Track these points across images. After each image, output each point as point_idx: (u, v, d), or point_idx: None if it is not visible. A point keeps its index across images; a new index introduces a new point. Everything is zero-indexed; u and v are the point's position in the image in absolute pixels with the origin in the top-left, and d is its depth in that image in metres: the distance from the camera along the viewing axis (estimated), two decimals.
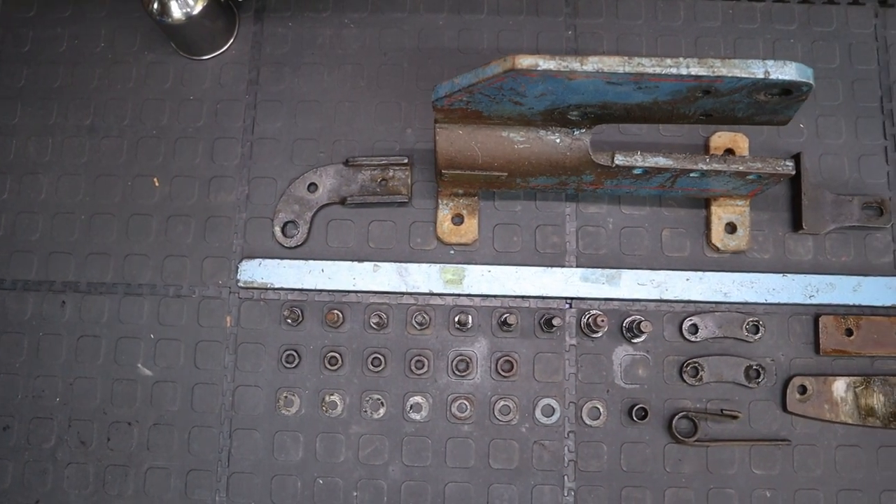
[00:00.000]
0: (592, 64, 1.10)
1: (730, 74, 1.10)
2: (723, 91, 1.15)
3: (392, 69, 1.57)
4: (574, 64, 1.10)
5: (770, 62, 1.10)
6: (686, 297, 1.46)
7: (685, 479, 1.42)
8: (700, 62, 1.10)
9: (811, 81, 1.12)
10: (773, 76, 1.10)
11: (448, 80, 1.19)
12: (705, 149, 1.53)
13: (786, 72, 1.11)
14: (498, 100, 1.21)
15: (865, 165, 1.53)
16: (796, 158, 1.50)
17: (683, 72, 1.10)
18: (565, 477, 1.42)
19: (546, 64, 1.10)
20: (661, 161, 1.32)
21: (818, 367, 1.46)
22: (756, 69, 1.10)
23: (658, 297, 1.46)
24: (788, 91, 1.14)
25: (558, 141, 1.31)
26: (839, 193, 1.50)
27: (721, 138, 1.52)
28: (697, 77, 1.11)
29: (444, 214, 1.48)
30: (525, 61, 1.10)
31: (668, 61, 1.10)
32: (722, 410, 1.41)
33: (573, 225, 1.50)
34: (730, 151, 1.52)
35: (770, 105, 1.19)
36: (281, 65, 1.58)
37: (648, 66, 1.10)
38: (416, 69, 1.57)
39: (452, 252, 1.49)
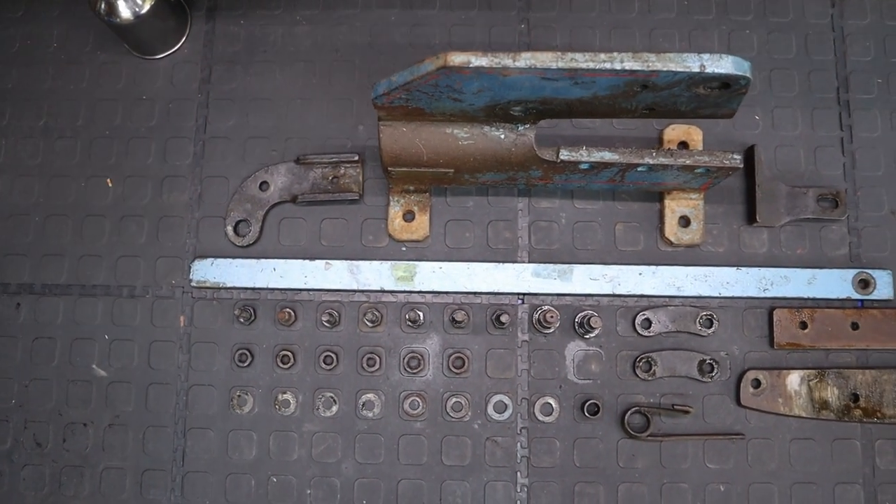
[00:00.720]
0: (525, 60, 1.09)
1: (665, 69, 1.09)
2: (661, 85, 1.14)
3: (344, 66, 1.56)
4: (506, 60, 1.09)
5: (706, 55, 1.09)
6: (639, 292, 1.45)
7: (638, 473, 1.41)
8: (634, 57, 1.09)
9: (748, 75, 1.10)
10: (708, 70, 1.09)
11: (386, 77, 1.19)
12: (659, 142, 1.52)
13: (722, 65, 1.09)
14: (436, 97, 1.20)
15: (821, 157, 1.52)
16: (750, 151, 1.49)
17: (618, 66, 1.09)
18: (518, 473, 1.42)
19: (478, 61, 1.09)
20: (606, 155, 1.31)
21: (772, 361, 1.45)
22: (691, 63, 1.09)
23: (611, 292, 1.45)
24: (727, 84, 1.13)
25: (503, 137, 1.30)
26: (794, 185, 1.49)
27: (675, 131, 1.51)
28: (632, 72, 1.10)
29: (396, 211, 1.48)
30: (457, 58, 1.09)
31: (602, 56, 1.09)
32: (673, 405, 1.41)
33: (525, 220, 1.49)
34: (684, 144, 1.51)
35: (711, 98, 1.18)
36: (233, 63, 1.57)
37: (582, 61, 1.09)
38: (367, 65, 1.56)
39: (404, 249, 1.49)
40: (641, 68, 1.09)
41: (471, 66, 1.09)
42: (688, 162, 1.32)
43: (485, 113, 1.26)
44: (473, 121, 1.29)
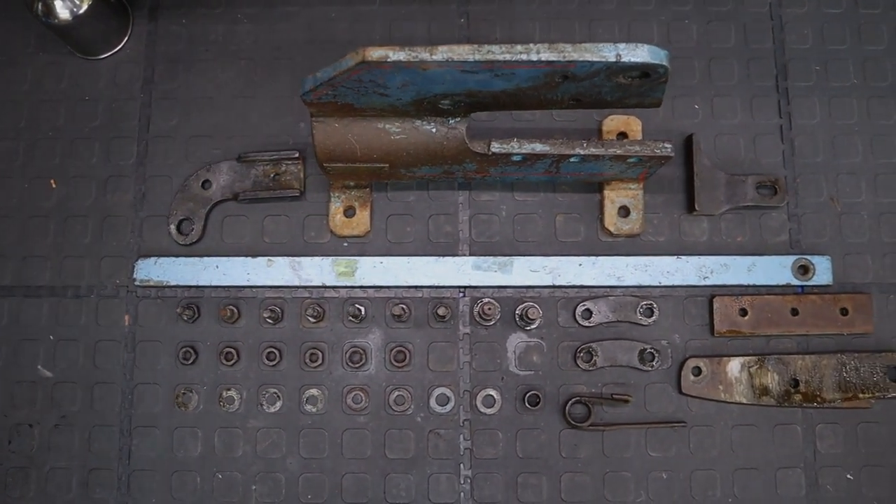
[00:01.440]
0: (442, 54, 1.10)
1: (581, 59, 1.10)
2: (580, 76, 1.14)
3: (285, 63, 1.56)
4: (423, 54, 1.10)
5: (622, 45, 1.10)
6: (579, 283, 1.46)
7: (581, 463, 1.42)
8: (550, 47, 1.10)
9: (665, 63, 1.11)
10: (624, 59, 1.10)
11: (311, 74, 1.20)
12: (598, 133, 1.52)
13: (638, 54, 1.10)
14: (363, 92, 1.20)
15: (761, 145, 1.53)
16: (689, 139, 1.50)
17: (534, 58, 1.09)
18: (461, 465, 1.42)
19: (396, 55, 1.10)
20: (537, 147, 1.32)
21: (713, 349, 1.46)
22: (607, 52, 1.10)
23: (551, 283, 1.46)
24: (647, 74, 1.14)
25: (434, 130, 1.31)
26: (734, 173, 1.49)
27: (613, 122, 1.51)
28: (549, 62, 1.10)
29: (337, 207, 1.48)
30: (375, 53, 1.10)
31: (519, 48, 1.10)
32: (612, 395, 1.42)
33: (466, 213, 1.50)
34: (623, 135, 1.51)
35: (633, 88, 1.19)
36: (175, 62, 1.57)
37: (498, 53, 1.10)
38: (308, 62, 1.56)
39: (346, 244, 1.49)
40: (558, 59, 1.09)
41: (389, 60, 1.10)
42: (619, 152, 1.32)
43: (414, 107, 1.26)
44: (404, 115, 1.29)
